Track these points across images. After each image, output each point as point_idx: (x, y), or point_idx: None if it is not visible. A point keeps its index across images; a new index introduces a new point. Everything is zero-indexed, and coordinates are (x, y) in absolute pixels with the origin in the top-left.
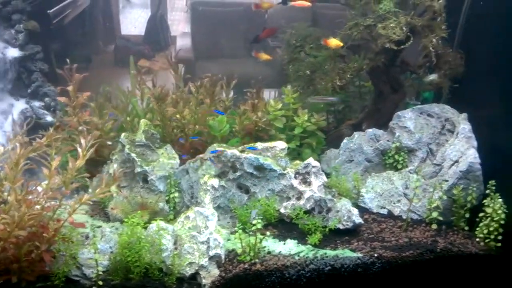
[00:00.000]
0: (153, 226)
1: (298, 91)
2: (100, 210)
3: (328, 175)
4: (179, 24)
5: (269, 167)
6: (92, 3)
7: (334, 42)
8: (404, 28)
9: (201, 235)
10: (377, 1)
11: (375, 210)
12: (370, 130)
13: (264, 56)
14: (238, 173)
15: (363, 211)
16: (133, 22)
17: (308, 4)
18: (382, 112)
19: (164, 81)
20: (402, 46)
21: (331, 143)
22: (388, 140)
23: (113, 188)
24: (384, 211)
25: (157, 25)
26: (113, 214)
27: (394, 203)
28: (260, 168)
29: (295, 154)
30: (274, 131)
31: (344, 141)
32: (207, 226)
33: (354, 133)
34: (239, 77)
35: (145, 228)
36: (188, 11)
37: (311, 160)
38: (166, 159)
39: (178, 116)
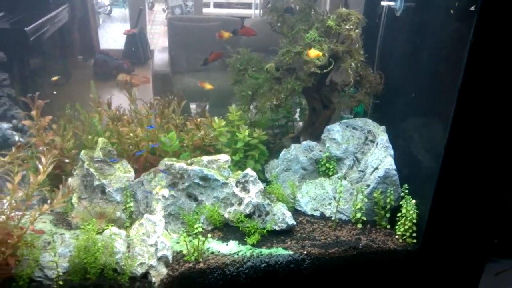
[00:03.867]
0: (107, 231)
1: (241, 110)
2: (63, 220)
3: (270, 182)
4: (159, 38)
5: (213, 178)
6: (71, 19)
7: (313, 53)
8: (326, 54)
9: (150, 238)
10: (305, 31)
11: (309, 213)
12: (305, 142)
13: (208, 86)
14: (186, 183)
15: (298, 213)
16: (114, 36)
17: (253, 33)
18: (316, 126)
19: (143, 95)
20: (325, 70)
21: (275, 154)
22: (320, 151)
23: (74, 199)
24: (317, 213)
25: (136, 39)
26: (74, 223)
27: (325, 206)
28: (205, 178)
29: (241, 164)
30: (220, 145)
31: (282, 152)
32: (155, 230)
33: (291, 145)
34: (216, 90)
35: (101, 233)
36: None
37: (248, 170)
38: (122, 173)
39: (131, 134)
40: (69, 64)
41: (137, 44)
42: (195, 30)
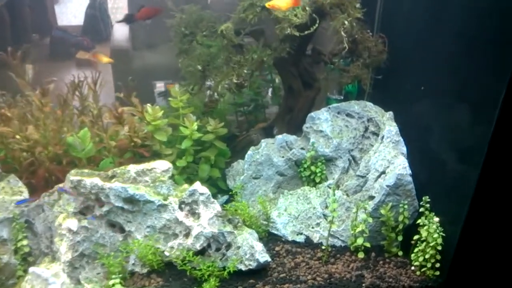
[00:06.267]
0: None
1: (188, 92)
2: None
3: (234, 195)
4: (122, 12)
5: (143, 198)
6: None
7: (283, 2)
8: (307, 8)
9: None
10: None
11: (290, 238)
12: (280, 136)
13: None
14: (106, 208)
15: (275, 240)
16: (73, 12)
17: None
18: (295, 112)
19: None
20: (306, 32)
21: (241, 152)
22: (302, 148)
23: None
24: (301, 238)
25: (97, 14)
26: None
27: (312, 227)
28: (131, 200)
29: (192, 171)
30: (159, 145)
31: (249, 152)
32: None
33: (261, 141)
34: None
35: None
36: None
37: (197, 186)
38: (9, 196)
39: (18, 136)
40: (22, 42)
41: (97, 19)
42: (158, 0)
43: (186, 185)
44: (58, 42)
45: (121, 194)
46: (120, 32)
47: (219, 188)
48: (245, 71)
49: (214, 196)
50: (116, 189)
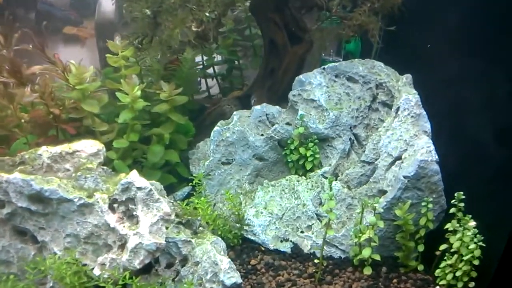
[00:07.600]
0: None
1: (133, 45)
2: None
3: (197, 185)
4: None
5: (55, 196)
6: None
7: None
8: None
9: None
10: None
11: (271, 246)
12: (258, 107)
13: None
14: (8, 209)
15: (251, 249)
16: None
17: None
18: (278, 75)
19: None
20: None
21: (209, 128)
22: (288, 123)
23: None
24: (287, 247)
25: None
26: None
27: (301, 232)
28: (40, 198)
29: (140, 154)
30: (91, 119)
31: (216, 128)
32: None
33: (233, 113)
34: None
35: None
36: None
37: (133, 177)
38: None
39: None
40: (6, 16)
41: None
42: None
43: (122, 175)
44: (44, 16)
45: (24, 189)
46: (105, 5)
47: (180, 176)
48: (207, 14)
49: (171, 188)
50: (16, 182)
